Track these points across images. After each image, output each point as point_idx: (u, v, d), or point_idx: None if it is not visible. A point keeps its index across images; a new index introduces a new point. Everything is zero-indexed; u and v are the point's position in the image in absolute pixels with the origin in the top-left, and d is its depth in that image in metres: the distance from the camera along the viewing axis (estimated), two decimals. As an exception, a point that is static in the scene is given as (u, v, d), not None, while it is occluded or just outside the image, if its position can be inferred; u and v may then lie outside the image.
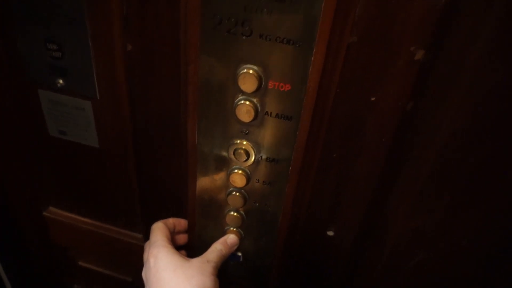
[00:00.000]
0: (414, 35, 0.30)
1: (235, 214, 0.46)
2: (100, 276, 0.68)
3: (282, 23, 0.31)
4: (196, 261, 0.43)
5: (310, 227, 0.46)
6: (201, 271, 0.41)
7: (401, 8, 0.29)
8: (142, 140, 0.47)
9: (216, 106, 0.38)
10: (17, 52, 0.44)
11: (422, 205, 0.40)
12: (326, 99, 0.36)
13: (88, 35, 0.40)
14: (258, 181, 0.42)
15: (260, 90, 0.35)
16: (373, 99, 0.35)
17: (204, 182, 0.45)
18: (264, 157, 0.40)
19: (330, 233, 0.46)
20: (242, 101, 0.36)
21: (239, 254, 0.50)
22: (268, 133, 0.38)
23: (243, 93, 0.36)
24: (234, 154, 0.40)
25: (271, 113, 0.37)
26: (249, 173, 0.42)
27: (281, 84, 0.35)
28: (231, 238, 0.47)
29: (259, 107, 0.37)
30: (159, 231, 0.46)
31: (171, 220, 0.49)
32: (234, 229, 0.48)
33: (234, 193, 0.44)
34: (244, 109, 0.37)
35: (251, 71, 0.34)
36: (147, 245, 0.46)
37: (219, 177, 0.44)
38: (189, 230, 0.51)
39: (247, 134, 0.39)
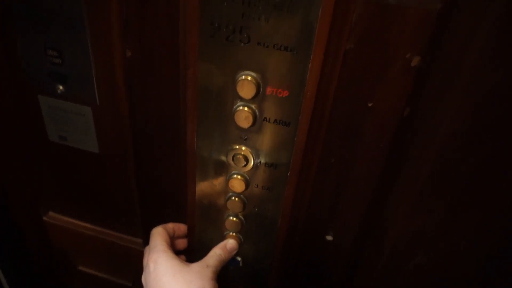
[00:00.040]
0: (409, 42, 0.31)
1: (235, 219, 0.46)
2: (99, 280, 0.68)
3: (280, 30, 0.32)
4: (195, 266, 0.43)
5: (309, 228, 0.46)
6: (201, 276, 0.42)
7: (396, 15, 0.30)
8: (142, 145, 0.47)
9: (215, 112, 0.38)
10: (17, 58, 0.45)
11: (422, 205, 0.41)
12: (324, 104, 0.36)
13: (88, 41, 0.41)
14: (257, 186, 0.43)
15: (258, 96, 0.36)
16: (370, 104, 0.35)
17: (203, 187, 0.45)
18: (262, 162, 0.40)
19: (329, 237, 0.46)
20: (241, 107, 0.37)
21: (239, 258, 0.50)
22: (266, 139, 0.39)
23: (241, 99, 0.36)
24: (233, 159, 0.41)
25: (269, 119, 0.37)
26: (248, 178, 0.42)
27: (279, 90, 0.35)
28: (230, 243, 0.48)
29: (257, 113, 0.37)
30: (158, 236, 0.46)
31: (170, 225, 0.49)
32: (234, 234, 0.48)
33: (233, 198, 0.44)
34: (243, 115, 0.37)
35: (249, 78, 0.35)
36: (146, 250, 0.47)
37: (218, 182, 0.44)
38: (188, 235, 0.51)
39: (246, 139, 0.39)
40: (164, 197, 0.52)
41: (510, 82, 0.31)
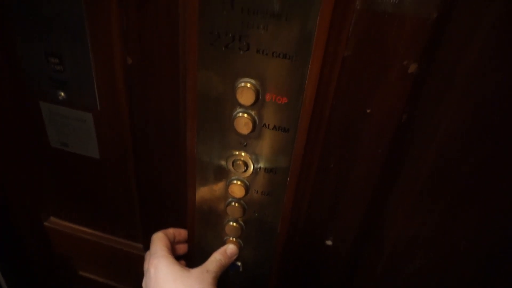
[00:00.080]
0: (406, 49, 0.31)
1: (234, 224, 0.46)
2: (100, 285, 0.68)
3: (279, 38, 0.32)
4: (195, 271, 0.43)
5: (309, 229, 0.46)
6: (201, 281, 0.42)
7: (393, 24, 0.30)
8: (142, 151, 0.48)
9: (215, 119, 0.39)
10: (19, 65, 0.45)
11: (422, 205, 0.41)
12: (322, 111, 0.36)
13: (89, 47, 0.41)
14: (257, 192, 0.43)
15: (257, 103, 0.36)
16: (368, 111, 0.35)
17: (203, 193, 0.45)
18: (262, 168, 0.41)
19: (329, 242, 0.46)
20: (240, 114, 0.37)
21: (239, 263, 0.50)
22: (266, 145, 0.39)
23: (241, 106, 0.37)
24: (233, 165, 0.41)
25: (268, 125, 0.37)
26: (247, 183, 0.42)
27: (278, 97, 0.35)
28: (230, 248, 0.48)
29: (257, 120, 0.37)
30: (159, 241, 0.46)
31: (171, 230, 0.50)
32: (234, 239, 0.48)
33: (233, 203, 0.44)
34: (243, 122, 0.37)
35: (248, 85, 0.35)
36: (147, 255, 0.47)
37: (218, 187, 0.44)
38: (188, 240, 0.51)
39: (245, 145, 0.40)
40: (165, 202, 0.52)
41: (509, 82, 0.31)
